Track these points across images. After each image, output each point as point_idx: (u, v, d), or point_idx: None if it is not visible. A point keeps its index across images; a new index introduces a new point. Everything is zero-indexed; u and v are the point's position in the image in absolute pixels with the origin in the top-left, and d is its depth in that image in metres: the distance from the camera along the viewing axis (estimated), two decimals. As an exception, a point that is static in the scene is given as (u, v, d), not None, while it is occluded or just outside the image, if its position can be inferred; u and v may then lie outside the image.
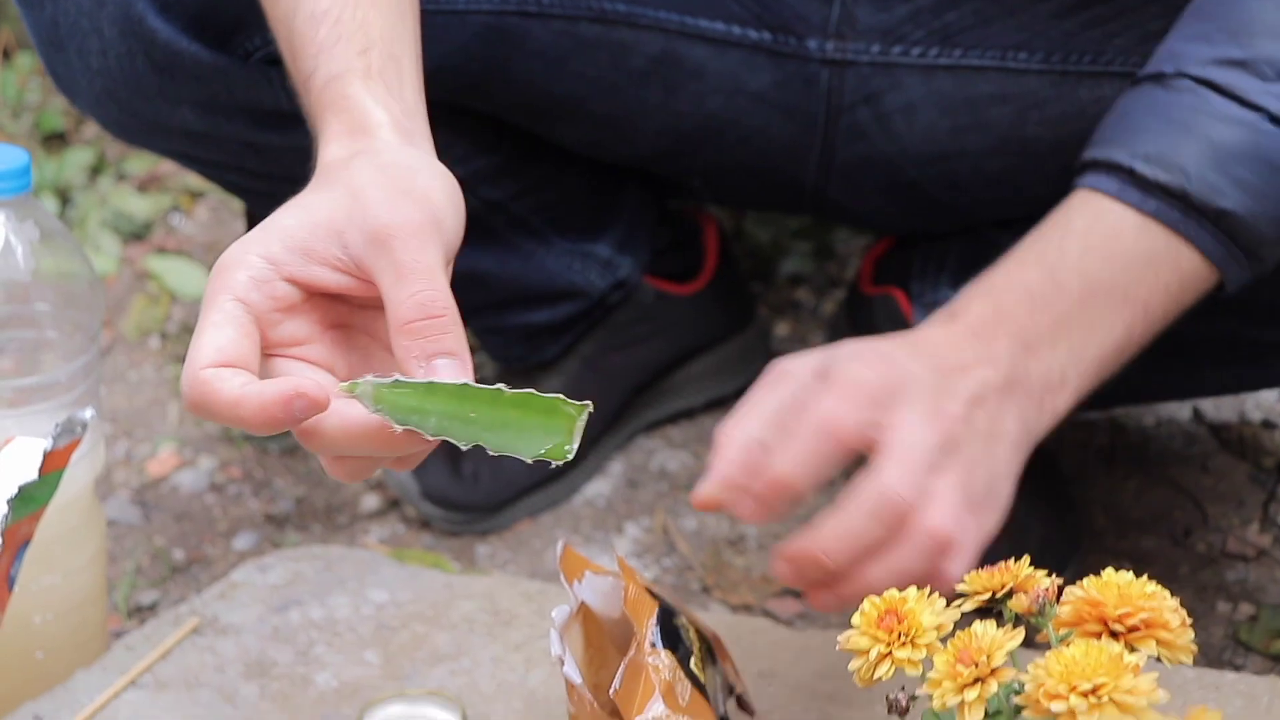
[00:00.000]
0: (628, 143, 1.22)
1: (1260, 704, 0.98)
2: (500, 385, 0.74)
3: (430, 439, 0.74)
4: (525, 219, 1.26)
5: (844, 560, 0.85)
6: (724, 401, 1.41)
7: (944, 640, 0.73)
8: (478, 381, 0.74)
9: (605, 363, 1.34)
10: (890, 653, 0.74)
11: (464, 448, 0.74)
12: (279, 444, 1.41)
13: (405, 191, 0.78)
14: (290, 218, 0.79)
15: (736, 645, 0.94)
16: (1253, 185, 0.90)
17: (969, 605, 0.76)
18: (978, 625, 0.72)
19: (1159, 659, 0.72)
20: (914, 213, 1.25)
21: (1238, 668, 1.16)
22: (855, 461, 0.88)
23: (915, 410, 0.86)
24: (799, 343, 1.51)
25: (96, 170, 1.75)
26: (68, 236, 1.03)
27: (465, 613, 1.07)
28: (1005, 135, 1.15)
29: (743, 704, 0.88)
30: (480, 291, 1.27)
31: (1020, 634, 0.71)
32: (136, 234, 1.67)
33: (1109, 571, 0.74)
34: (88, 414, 0.93)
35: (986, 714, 0.70)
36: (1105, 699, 0.67)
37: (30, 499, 0.91)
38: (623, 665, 0.83)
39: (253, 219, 1.33)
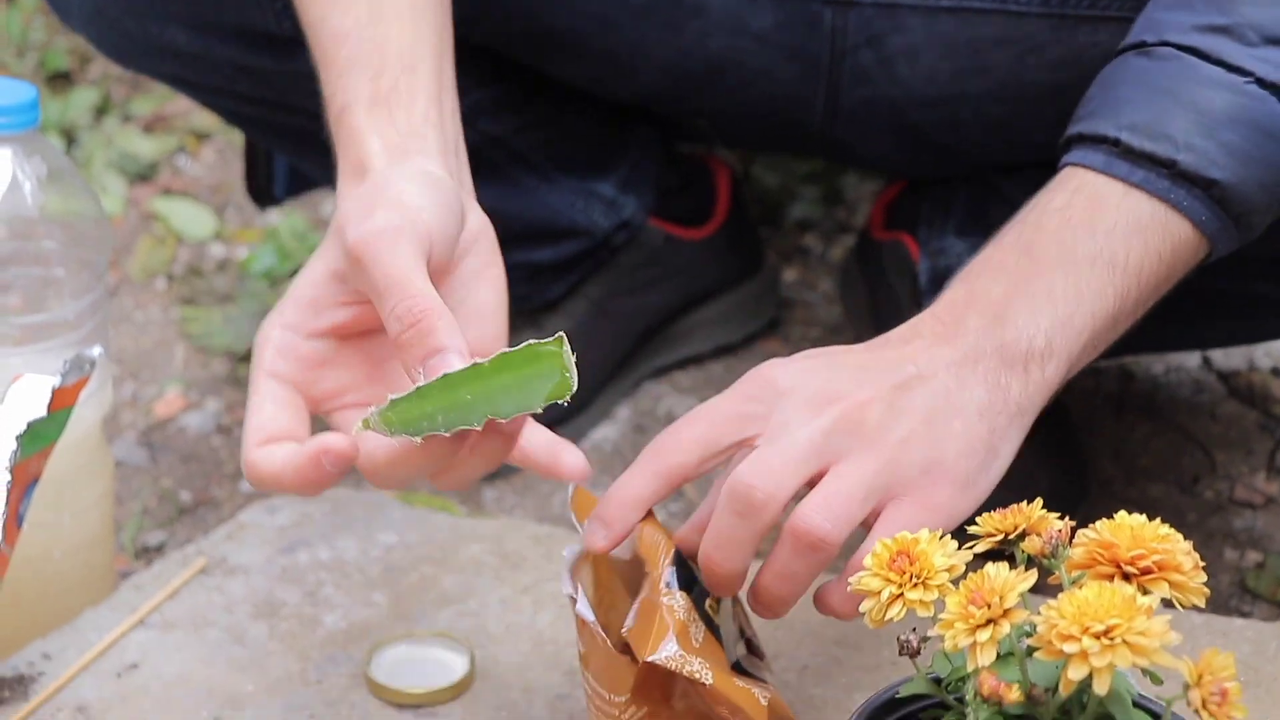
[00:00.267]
0: (629, 81, 1.21)
1: (1268, 650, 0.98)
2: (475, 359, 0.76)
3: (449, 436, 0.76)
4: (526, 154, 1.26)
5: (727, 560, 0.83)
6: (732, 348, 1.41)
7: (956, 582, 0.73)
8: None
9: (613, 306, 1.33)
10: (902, 594, 0.73)
11: (480, 428, 0.76)
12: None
13: (373, 206, 0.83)
14: (298, 280, 0.86)
15: (745, 589, 0.94)
16: (1241, 150, 0.89)
17: (981, 547, 0.75)
18: (990, 567, 0.71)
19: (1171, 603, 0.72)
20: (919, 157, 1.24)
21: (1245, 614, 1.16)
22: None
23: (799, 399, 0.83)
24: (807, 289, 1.50)
25: (102, 111, 1.74)
26: (75, 174, 1.03)
27: (473, 555, 1.07)
28: (1005, 79, 1.14)
29: (753, 648, 0.88)
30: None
31: (1033, 575, 0.71)
32: (142, 175, 1.66)
33: (1122, 514, 0.73)
34: (96, 351, 0.93)
35: (998, 656, 0.70)
36: (1118, 640, 0.67)
37: (39, 436, 0.91)
38: (636, 604, 0.83)
39: (251, 156, 1.33)
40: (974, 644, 0.70)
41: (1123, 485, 1.27)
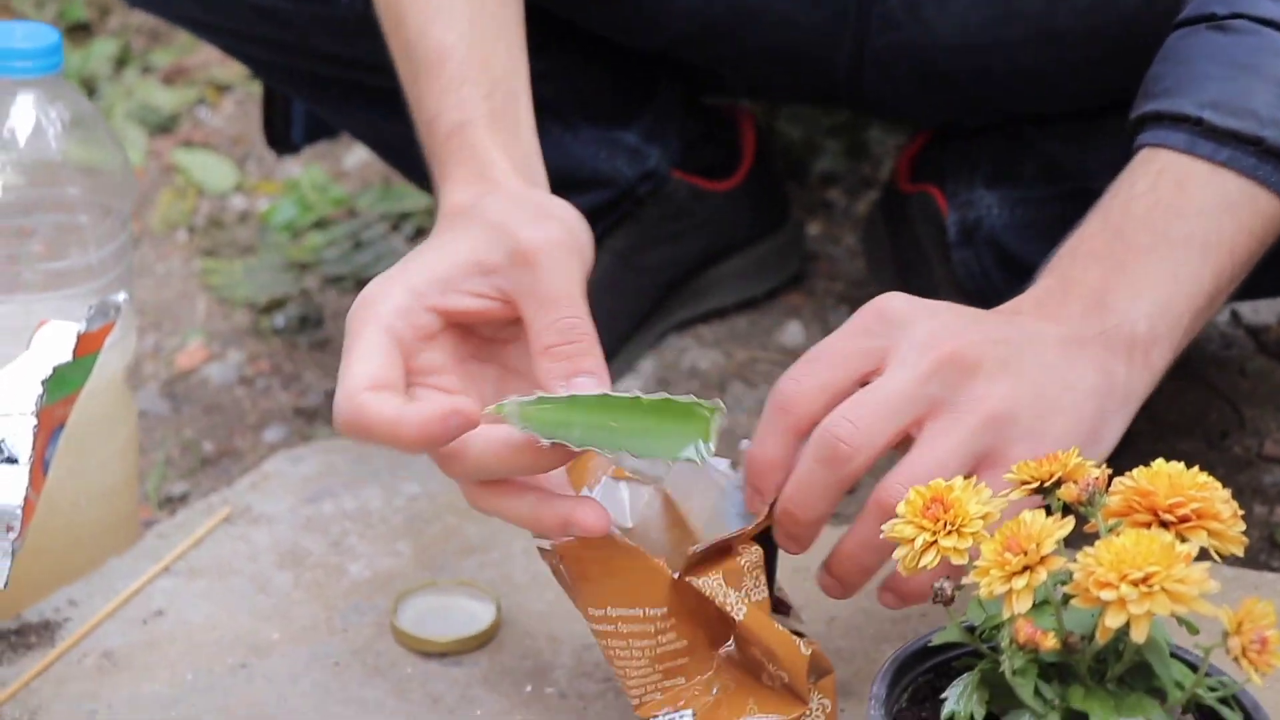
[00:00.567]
0: (655, 28, 1.20)
1: (1299, 604, 0.97)
2: (637, 393, 0.78)
3: (576, 450, 0.78)
4: (550, 102, 1.24)
5: (804, 508, 0.82)
6: (756, 301, 1.40)
7: (990, 530, 0.72)
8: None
9: (637, 259, 1.32)
10: (936, 541, 0.73)
11: (609, 456, 0.78)
12: (308, 338, 1.40)
13: (545, 215, 0.84)
14: (431, 254, 0.84)
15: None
16: None
17: (1016, 494, 0.75)
18: (1026, 514, 0.71)
19: (1209, 553, 0.71)
20: (948, 105, 1.23)
21: (1274, 569, 1.16)
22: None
23: (915, 337, 0.81)
24: (831, 243, 1.49)
25: (122, 62, 1.74)
26: (98, 119, 1.02)
27: (498, 505, 1.07)
28: (1036, 26, 1.13)
29: (780, 603, 0.87)
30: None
31: (1070, 522, 0.70)
32: (163, 127, 1.66)
33: (1159, 461, 0.73)
34: (121, 297, 0.92)
35: (1034, 604, 0.70)
36: (1156, 588, 0.66)
37: (64, 381, 0.91)
38: (714, 540, 0.82)
39: (269, 102, 1.32)
40: (1010, 591, 0.69)
41: (1150, 441, 1.26)
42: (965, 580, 0.72)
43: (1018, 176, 1.23)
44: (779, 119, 1.57)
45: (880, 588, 0.85)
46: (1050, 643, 0.69)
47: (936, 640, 0.75)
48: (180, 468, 1.28)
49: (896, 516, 0.74)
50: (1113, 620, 0.67)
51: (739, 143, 1.38)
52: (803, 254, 1.44)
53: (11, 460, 0.87)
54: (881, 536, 0.75)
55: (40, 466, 0.91)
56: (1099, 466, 0.74)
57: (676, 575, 0.82)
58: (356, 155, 1.62)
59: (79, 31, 1.77)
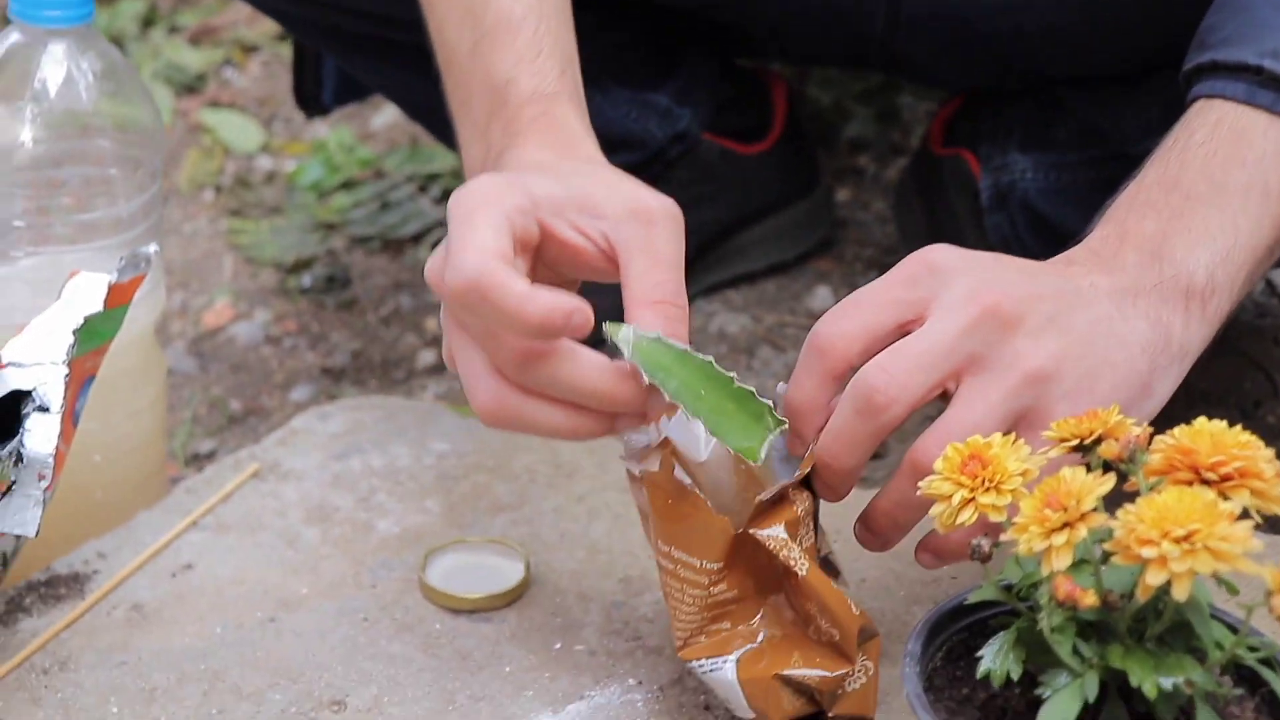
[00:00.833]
0: None
1: (1334, 571, 0.96)
2: (733, 375, 0.80)
3: (665, 400, 0.79)
4: (581, 62, 1.24)
5: (840, 457, 0.81)
6: (785, 266, 1.40)
7: (1029, 487, 0.72)
8: None
9: (667, 222, 1.32)
10: (973, 498, 0.72)
11: (687, 419, 0.80)
12: (335, 298, 1.40)
13: (653, 190, 0.85)
14: (545, 179, 0.84)
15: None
16: None
17: (1055, 451, 0.74)
18: (1066, 470, 0.70)
19: (1249, 514, 0.70)
20: (983, 68, 1.22)
21: (1307, 539, 1.15)
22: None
23: (959, 288, 0.80)
24: (860, 209, 1.48)
25: (149, 22, 1.73)
26: (130, 71, 1.01)
27: (526, 464, 1.06)
28: None
29: (830, 565, 0.87)
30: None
31: (1111, 479, 0.70)
32: (189, 87, 1.65)
33: (1202, 420, 0.72)
34: (152, 249, 0.92)
35: (1073, 562, 0.69)
36: (1199, 546, 0.65)
37: (95, 333, 0.90)
38: (777, 489, 0.81)
39: (299, 62, 1.31)
40: (1049, 548, 0.68)
41: (1183, 409, 1.25)
42: (1003, 538, 0.71)
43: (1052, 140, 1.22)
44: (809, 84, 1.56)
45: (917, 547, 0.84)
46: (1090, 600, 0.68)
47: (973, 598, 0.75)
48: (207, 426, 1.28)
49: (933, 474, 0.74)
50: (1154, 578, 0.66)
51: (770, 106, 1.37)
52: (832, 219, 1.43)
53: (44, 409, 0.87)
54: (918, 494, 0.75)
55: (70, 418, 0.90)
56: (1140, 425, 0.73)
57: (739, 531, 0.81)
58: (384, 116, 1.61)
59: (106, -10, 1.77)
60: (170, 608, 0.95)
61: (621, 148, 1.27)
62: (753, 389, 0.80)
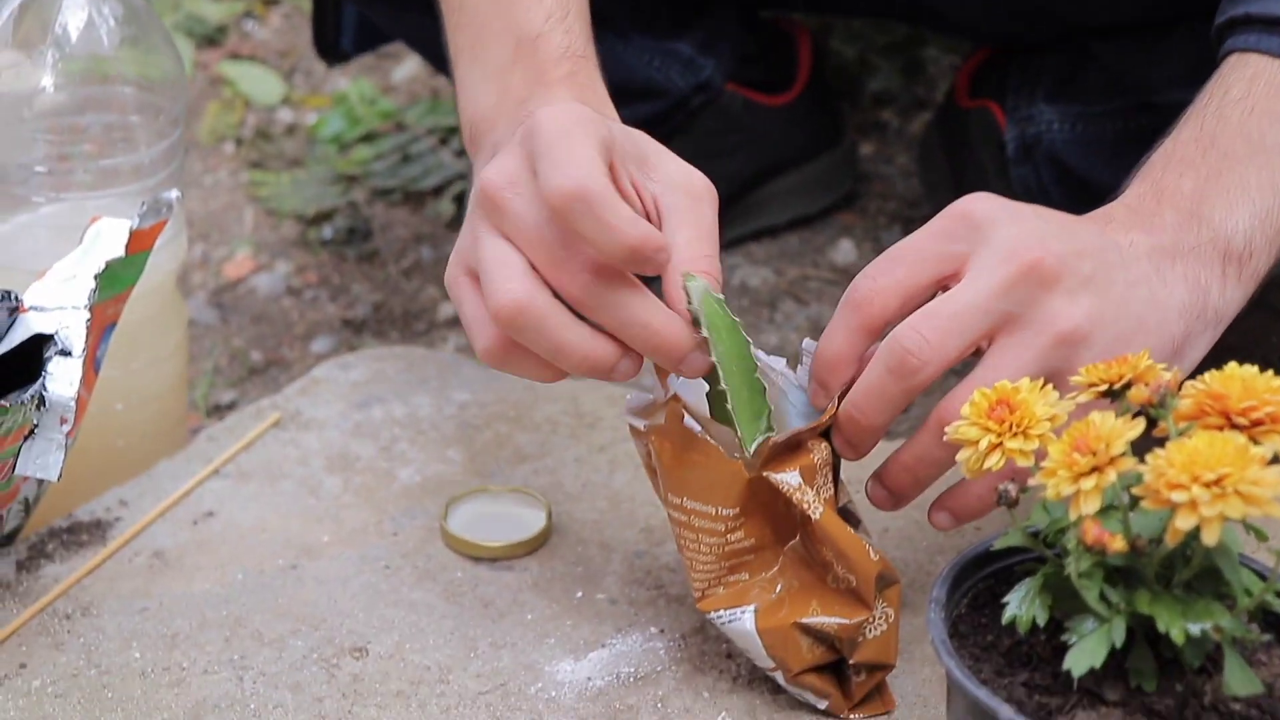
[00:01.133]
0: None
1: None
2: (760, 364, 0.82)
3: (704, 360, 0.81)
4: (604, 11, 1.23)
5: (868, 414, 0.80)
6: (808, 220, 1.39)
7: (1057, 433, 0.71)
8: None
9: (689, 174, 1.31)
10: (1001, 443, 0.71)
11: (721, 384, 0.81)
12: (355, 250, 1.39)
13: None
14: (616, 125, 0.84)
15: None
16: None
17: (1084, 397, 0.73)
18: (1095, 415, 0.69)
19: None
20: (1011, 17, 1.21)
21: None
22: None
23: (998, 244, 0.79)
24: (884, 163, 1.47)
25: (169, -27, 1.72)
26: (151, 16, 1.01)
27: (548, 415, 1.06)
28: None
29: (849, 515, 0.86)
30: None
31: (1141, 424, 0.69)
32: (209, 39, 1.65)
33: (1232, 365, 0.71)
34: (173, 194, 0.91)
35: (1101, 508, 0.68)
36: (1229, 490, 0.65)
37: (117, 278, 0.90)
38: (790, 434, 0.81)
39: (320, 9, 1.30)
40: (1078, 492, 0.68)
41: (1209, 363, 1.24)
42: (1030, 482, 0.71)
43: (1079, 91, 1.21)
44: (833, 37, 1.55)
45: (933, 506, 0.84)
46: (1118, 544, 0.67)
47: (998, 544, 0.74)
48: (228, 376, 1.28)
49: (961, 419, 0.73)
50: (1183, 522, 0.65)
51: (794, 58, 1.36)
52: (856, 173, 1.42)
53: (65, 353, 0.86)
54: (945, 439, 0.74)
55: (92, 364, 0.90)
56: (1170, 370, 0.73)
57: (753, 475, 0.81)
58: (405, 69, 1.61)
59: (126, -57, 1.76)
60: (191, 555, 0.95)
61: (643, 97, 1.26)
62: (765, 385, 0.82)
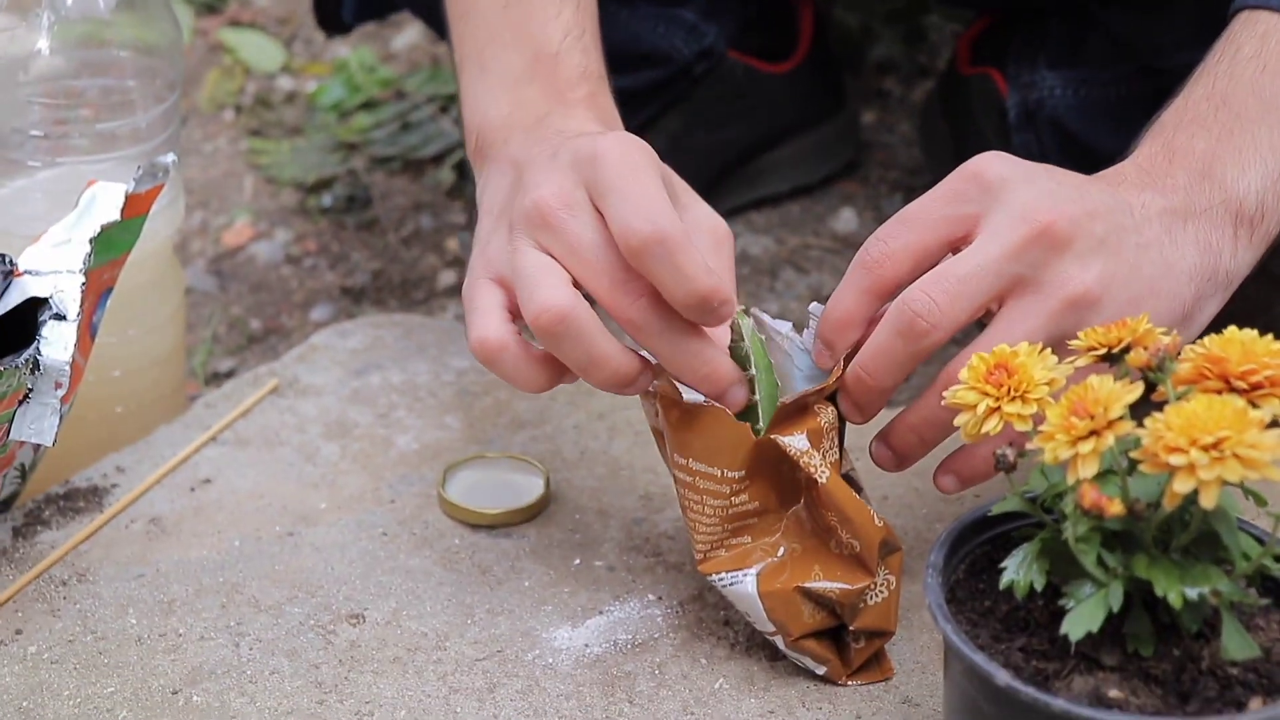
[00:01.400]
0: None
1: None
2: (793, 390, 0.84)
3: (749, 395, 0.82)
4: None
5: (876, 375, 0.80)
6: (809, 188, 1.38)
7: (1055, 396, 0.71)
8: None
9: (690, 142, 1.30)
10: (999, 407, 0.71)
11: (745, 398, 0.82)
12: (355, 218, 1.39)
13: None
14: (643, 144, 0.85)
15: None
16: None
17: (1083, 361, 0.73)
18: (1094, 378, 0.69)
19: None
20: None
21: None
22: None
23: (1010, 206, 0.78)
24: (886, 131, 1.46)
25: (168, -59, 1.72)
26: (147, -20, 1.00)
27: (547, 382, 1.06)
28: None
29: (852, 481, 0.86)
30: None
31: (1139, 388, 0.69)
32: (209, 6, 1.64)
33: (1232, 329, 0.71)
34: (170, 159, 0.91)
35: (1099, 472, 0.68)
36: (1228, 453, 0.64)
37: (112, 243, 0.90)
38: (798, 396, 0.81)
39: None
40: (1076, 455, 0.67)
41: (1211, 329, 1.24)
42: (1029, 447, 0.70)
43: (1082, 56, 1.20)
44: (836, 6, 1.54)
45: (939, 470, 0.84)
46: (1116, 508, 0.67)
47: (996, 510, 0.74)
48: (227, 344, 1.27)
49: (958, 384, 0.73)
50: (1181, 485, 0.65)
51: (797, 26, 1.35)
52: (858, 141, 1.41)
53: (60, 317, 0.86)
54: (943, 404, 0.74)
55: (88, 329, 0.90)
56: (1169, 334, 0.72)
57: (760, 437, 0.81)
58: (405, 37, 1.60)
59: (125, -89, 1.75)
60: (189, 521, 0.95)
61: (647, 63, 1.26)
62: (782, 403, 0.82)
